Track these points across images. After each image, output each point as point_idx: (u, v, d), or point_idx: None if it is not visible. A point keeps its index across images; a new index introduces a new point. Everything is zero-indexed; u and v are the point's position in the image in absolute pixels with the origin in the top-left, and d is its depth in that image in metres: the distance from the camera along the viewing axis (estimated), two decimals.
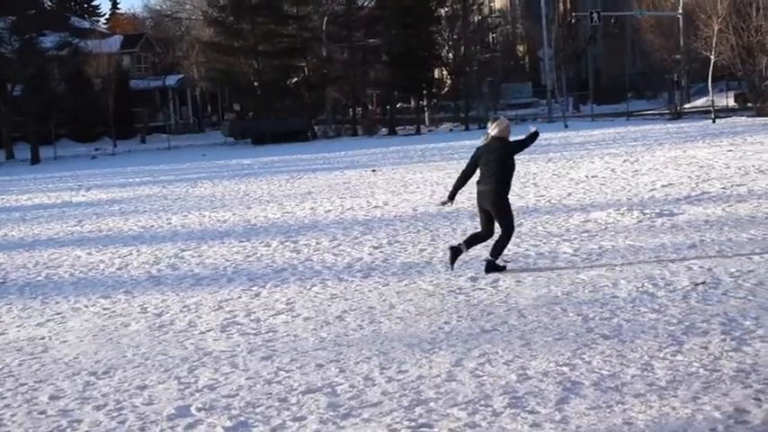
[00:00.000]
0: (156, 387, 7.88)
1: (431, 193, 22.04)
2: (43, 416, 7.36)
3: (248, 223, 18.98)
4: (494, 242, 11.89)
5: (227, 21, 65.89)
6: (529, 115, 68.86)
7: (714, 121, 46.45)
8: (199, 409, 7.21)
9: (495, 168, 11.72)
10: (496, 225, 11.91)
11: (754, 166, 22.56)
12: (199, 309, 10.98)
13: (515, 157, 11.92)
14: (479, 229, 12.19)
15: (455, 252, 11.98)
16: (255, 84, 64.88)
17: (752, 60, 51.29)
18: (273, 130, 60.28)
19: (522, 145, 11.93)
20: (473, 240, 12.10)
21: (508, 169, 11.81)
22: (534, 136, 12.19)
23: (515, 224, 12.17)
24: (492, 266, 11.77)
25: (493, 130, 11.84)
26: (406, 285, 11.42)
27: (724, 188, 18.72)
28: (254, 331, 9.65)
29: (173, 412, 7.18)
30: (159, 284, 12.83)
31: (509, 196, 11.92)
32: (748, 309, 9.07)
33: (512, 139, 11.95)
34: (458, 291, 10.86)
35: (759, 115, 48.19)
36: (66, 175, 41.05)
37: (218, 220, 19.80)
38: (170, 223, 20.00)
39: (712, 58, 51.19)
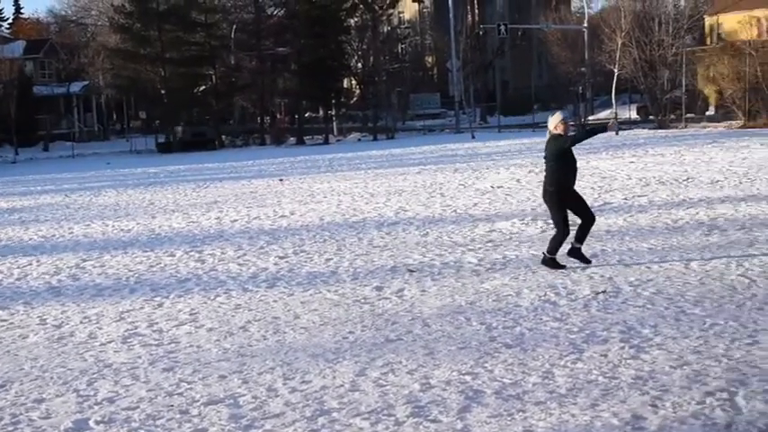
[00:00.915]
0: (54, 400, 7.71)
1: (338, 202, 22.04)
2: None
3: (152, 233, 18.73)
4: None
5: (134, 27, 65.07)
6: (437, 126, 69.40)
7: (617, 133, 47.33)
8: (97, 422, 7.07)
9: (546, 165, 12.08)
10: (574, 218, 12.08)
11: (654, 177, 23.04)
12: (100, 320, 10.78)
13: (575, 152, 12.06)
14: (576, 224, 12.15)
15: (575, 254, 12.01)
16: (162, 91, 64.14)
17: (653, 74, 52.41)
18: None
19: (574, 139, 12.05)
20: (580, 233, 12.06)
21: (558, 166, 11.88)
22: (594, 130, 12.80)
23: (569, 225, 12.01)
24: (548, 261, 11.99)
25: (551, 125, 12.04)
26: (311, 295, 11.38)
27: (625, 199, 19.08)
28: (156, 342, 9.52)
29: (70, 426, 7.04)
30: (59, 295, 12.57)
31: (568, 193, 11.96)
32: (647, 317, 9.25)
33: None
34: (363, 300, 10.86)
35: (660, 128, 49.27)
36: None
37: (122, 230, 19.50)
38: (72, 233, 19.63)
39: (616, 71, 52.22)
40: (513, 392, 7.16)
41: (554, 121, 11.93)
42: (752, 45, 48.00)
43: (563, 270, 11.81)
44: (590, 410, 6.67)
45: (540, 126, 58.43)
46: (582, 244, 12.01)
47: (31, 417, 7.32)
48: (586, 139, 12.38)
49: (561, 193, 11.87)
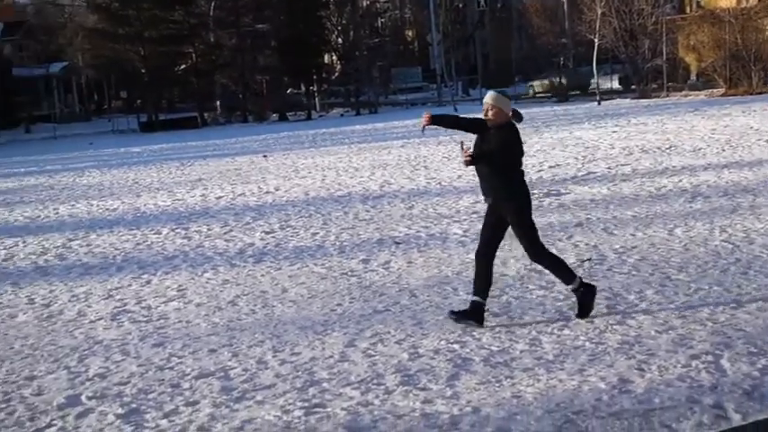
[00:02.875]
0: (46, 377, 7.76)
1: (322, 177, 22.05)
2: None
3: (138, 211, 18.72)
4: None
5: (112, 7, 64.53)
6: (419, 99, 69.30)
7: (599, 103, 47.44)
8: (89, 398, 7.12)
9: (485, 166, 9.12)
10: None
11: (637, 146, 23.14)
12: (88, 298, 10.82)
13: None
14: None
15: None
16: (143, 71, 63.80)
17: (634, 43, 52.43)
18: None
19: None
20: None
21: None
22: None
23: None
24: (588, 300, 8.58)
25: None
26: (298, 269, 11.44)
27: (609, 168, 19.17)
28: (146, 319, 9.56)
29: (63, 401, 7.08)
30: (47, 275, 12.59)
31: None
32: (632, 283, 9.34)
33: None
34: (350, 273, 10.93)
35: (642, 97, 49.36)
36: None
37: (107, 209, 19.48)
38: (57, 213, 19.60)
39: (596, 41, 52.20)
40: (501, 359, 7.25)
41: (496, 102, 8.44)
42: (731, 13, 48.03)
43: (453, 251, 11.01)
44: (577, 375, 6.76)
45: (523, 97, 58.64)
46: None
47: (23, 394, 7.36)
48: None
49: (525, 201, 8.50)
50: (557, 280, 9.59)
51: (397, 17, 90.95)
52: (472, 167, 8.41)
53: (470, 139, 8.37)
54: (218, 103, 65.55)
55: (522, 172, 8.50)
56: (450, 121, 8.86)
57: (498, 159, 8.27)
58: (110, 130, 61.31)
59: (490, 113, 8.35)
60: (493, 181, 8.37)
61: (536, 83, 65.72)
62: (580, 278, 8.35)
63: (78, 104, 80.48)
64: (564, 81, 59.63)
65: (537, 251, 8.38)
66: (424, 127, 8.36)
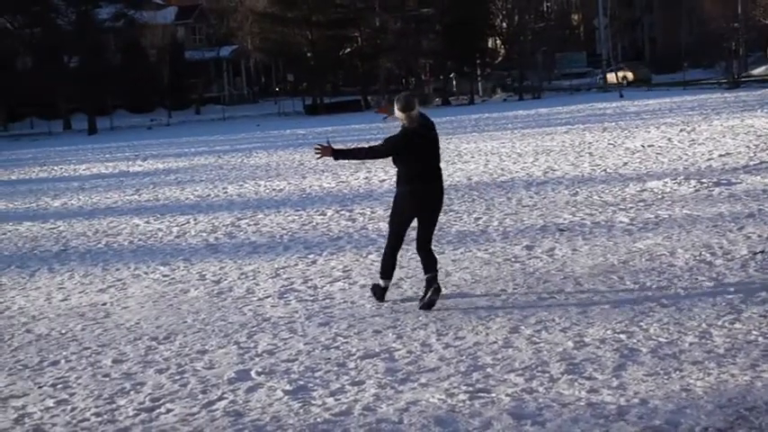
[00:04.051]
0: (217, 352, 8.01)
1: (485, 162, 22.00)
2: (107, 378, 7.51)
3: (303, 192, 19.10)
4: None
5: None
6: (583, 85, 68.27)
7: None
8: (259, 373, 7.31)
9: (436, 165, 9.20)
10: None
11: None
12: (256, 276, 11.10)
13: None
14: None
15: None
16: (309, 54, 64.91)
17: None
18: None
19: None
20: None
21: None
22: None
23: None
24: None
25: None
26: (461, 254, 11.45)
27: None
28: (312, 298, 9.75)
29: (233, 376, 7.30)
30: (217, 252, 12.98)
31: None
32: None
33: None
34: (513, 259, 10.88)
35: None
36: (123, 145, 41.50)
37: (274, 190, 19.94)
38: (226, 192, 20.18)
39: None
40: (670, 351, 7.09)
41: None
42: None
43: (619, 239, 10.75)
44: (750, 371, 6.55)
45: (691, 84, 57.04)
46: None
47: (195, 367, 7.62)
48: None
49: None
50: (727, 272, 9.36)
51: (563, 1, 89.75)
52: None
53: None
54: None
55: (412, 174, 8.93)
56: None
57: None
58: (276, 113, 62.62)
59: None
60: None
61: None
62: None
63: (246, 87, 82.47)
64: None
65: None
66: (384, 117, 8.88)
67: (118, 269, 12.28)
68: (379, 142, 9.26)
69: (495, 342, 7.65)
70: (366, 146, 9.46)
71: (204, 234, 14.67)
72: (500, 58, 75.86)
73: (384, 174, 21.13)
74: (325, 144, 8.91)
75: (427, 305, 8.85)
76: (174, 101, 65.78)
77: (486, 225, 13.45)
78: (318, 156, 9.19)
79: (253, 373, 7.33)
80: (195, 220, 16.33)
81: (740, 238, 11.12)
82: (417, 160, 8.90)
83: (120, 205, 19.45)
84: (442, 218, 14.26)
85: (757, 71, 60.40)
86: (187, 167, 27.28)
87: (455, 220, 14.03)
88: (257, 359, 7.70)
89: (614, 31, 69.83)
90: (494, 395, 6.47)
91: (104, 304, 10.26)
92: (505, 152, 24.29)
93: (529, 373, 6.86)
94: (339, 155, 9.27)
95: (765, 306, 8.08)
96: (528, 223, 13.26)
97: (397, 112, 8.89)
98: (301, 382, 7.03)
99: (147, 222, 16.50)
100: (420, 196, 8.95)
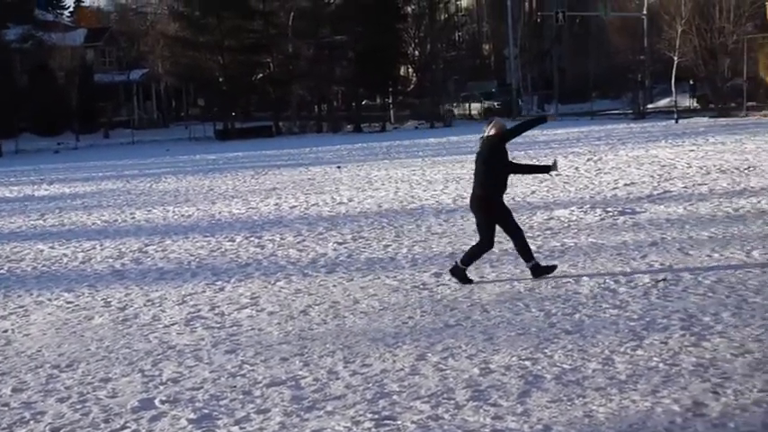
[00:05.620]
0: (120, 380, 7.88)
1: (395, 189, 22.11)
2: (6, 408, 7.34)
3: (212, 218, 18.95)
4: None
5: (193, 16, 65.47)
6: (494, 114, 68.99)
7: (677, 122, 46.85)
8: (163, 402, 7.22)
9: (477, 169, 10.98)
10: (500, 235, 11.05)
11: (715, 165, 22.81)
12: (163, 303, 10.97)
13: (508, 150, 10.95)
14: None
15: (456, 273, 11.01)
16: (221, 79, 64.56)
17: (714, 62, 51.75)
18: None
19: (509, 131, 10.91)
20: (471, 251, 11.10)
21: (488, 170, 10.78)
22: (530, 121, 11.58)
23: (494, 239, 10.99)
24: (457, 272, 10.96)
25: (490, 131, 10.94)
26: (370, 281, 11.47)
27: (685, 187, 18.93)
28: (219, 325, 9.67)
29: (137, 405, 7.19)
30: (123, 278, 12.80)
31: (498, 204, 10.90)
32: (707, 305, 9.20)
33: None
34: (422, 286, 10.93)
35: (721, 116, 48.67)
36: (29, 168, 40.70)
37: (183, 215, 19.75)
38: (134, 218, 19.92)
39: (675, 59, 51.63)
40: (573, 378, 7.19)
41: (496, 126, 10.93)
42: None
43: (526, 267, 10.93)
44: (651, 397, 6.68)
45: (599, 114, 58.14)
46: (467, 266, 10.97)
47: (98, 395, 7.49)
48: (523, 130, 11.05)
49: (487, 199, 10.82)
50: (630, 299, 9.53)
51: (474, 31, 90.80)
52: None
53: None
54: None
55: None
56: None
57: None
58: (186, 137, 62.09)
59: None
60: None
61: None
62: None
63: (156, 111, 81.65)
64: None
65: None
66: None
67: (20, 295, 12.02)
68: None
69: (401, 369, 7.67)
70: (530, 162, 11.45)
71: (110, 260, 14.46)
72: (412, 86, 76.36)
73: (294, 200, 21.10)
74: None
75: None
76: (83, 124, 64.67)
77: (395, 252, 13.49)
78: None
79: (157, 402, 7.24)
80: (101, 245, 16.08)
81: (643, 266, 11.35)
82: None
83: (23, 230, 19.07)
84: (351, 244, 14.38)
85: (662, 102, 61.81)
86: (94, 192, 26.88)
87: (364, 247, 14.05)
88: (162, 387, 7.60)
89: (524, 61, 70.88)
90: (399, 422, 6.48)
91: (5, 331, 10.03)
92: (416, 179, 24.43)
93: (435, 400, 6.88)
94: None
95: (666, 333, 8.25)
96: (437, 251, 13.35)
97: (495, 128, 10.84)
98: (206, 411, 6.96)
99: (52, 248, 16.19)
100: None
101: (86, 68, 71.82)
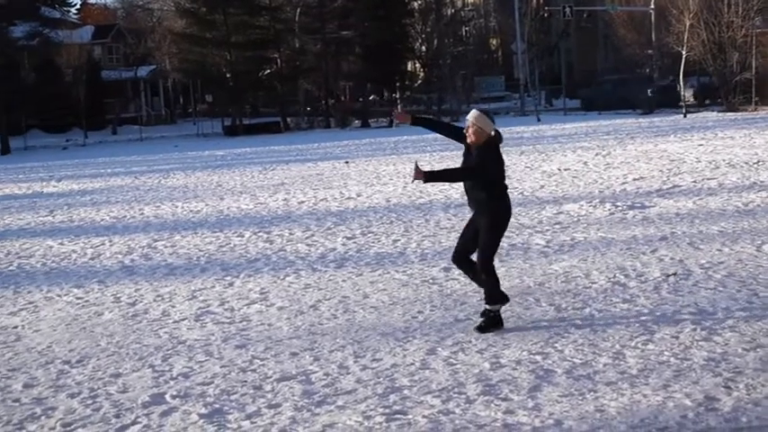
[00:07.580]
0: (131, 375, 7.89)
1: (404, 184, 22.09)
2: (17, 404, 7.35)
3: (221, 214, 18.95)
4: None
5: (200, 12, 65.43)
6: (502, 109, 69.01)
7: (685, 116, 46.75)
8: (173, 397, 7.23)
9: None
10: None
11: (724, 160, 22.74)
12: (172, 298, 10.98)
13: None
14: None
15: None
16: (228, 75, 64.56)
17: (722, 56, 51.58)
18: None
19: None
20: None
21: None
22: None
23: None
24: (489, 322, 8.63)
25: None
26: (379, 275, 11.46)
27: (695, 182, 18.87)
28: (229, 320, 9.67)
29: (147, 400, 7.20)
30: (132, 274, 12.81)
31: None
32: (718, 299, 9.18)
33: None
34: (431, 281, 10.92)
35: (729, 111, 48.53)
36: (37, 165, 40.75)
37: (191, 211, 19.75)
38: (142, 214, 19.93)
39: (684, 53, 51.47)
40: (584, 372, 7.18)
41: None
42: None
43: (535, 261, 10.55)
44: (662, 391, 6.66)
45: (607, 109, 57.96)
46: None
47: (108, 391, 7.50)
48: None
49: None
50: (641, 294, 9.51)
51: (481, 26, 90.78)
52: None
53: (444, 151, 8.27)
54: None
55: (504, 187, 9.00)
56: (434, 124, 9.58)
57: (478, 176, 8.77)
58: (194, 134, 62.12)
59: (470, 131, 8.62)
60: (475, 195, 8.90)
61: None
62: (500, 306, 8.63)
63: (164, 107, 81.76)
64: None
65: (487, 266, 8.66)
66: (392, 121, 9.00)
67: (30, 291, 12.04)
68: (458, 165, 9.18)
69: (412, 364, 7.66)
70: (454, 167, 9.47)
71: (119, 256, 14.47)
72: (419, 81, 76.32)
73: (303, 196, 21.09)
74: (417, 167, 8.48)
75: (480, 327, 8.56)
76: (91, 121, 64.69)
77: (404, 247, 13.48)
78: (412, 180, 8.88)
79: (167, 397, 7.24)
80: (110, 241, 16.09)
81: (653, 260, 11.32)
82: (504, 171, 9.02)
83: (33, 226, 19.09)
84: (360, 239, 14.37)
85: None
86: (103, 188, 26.90)
87: (373, 242, 14.04)
88: (172, 382, 7.60)
89: (532, 56, 70.72)
90: (410, 417, 6.47)
91: (15, 327, 10.05)
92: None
93: (445, 394, 6.88)
94: (430, 177, 8.85)
95: (677, 327, 8.23)
96: (446, 245, 13.31)
97: (488, 125, 8.71)
98: (217, 406, 6.96)
99: (61, 244, 16.21)
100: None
101: (94, 65, 71.88)
